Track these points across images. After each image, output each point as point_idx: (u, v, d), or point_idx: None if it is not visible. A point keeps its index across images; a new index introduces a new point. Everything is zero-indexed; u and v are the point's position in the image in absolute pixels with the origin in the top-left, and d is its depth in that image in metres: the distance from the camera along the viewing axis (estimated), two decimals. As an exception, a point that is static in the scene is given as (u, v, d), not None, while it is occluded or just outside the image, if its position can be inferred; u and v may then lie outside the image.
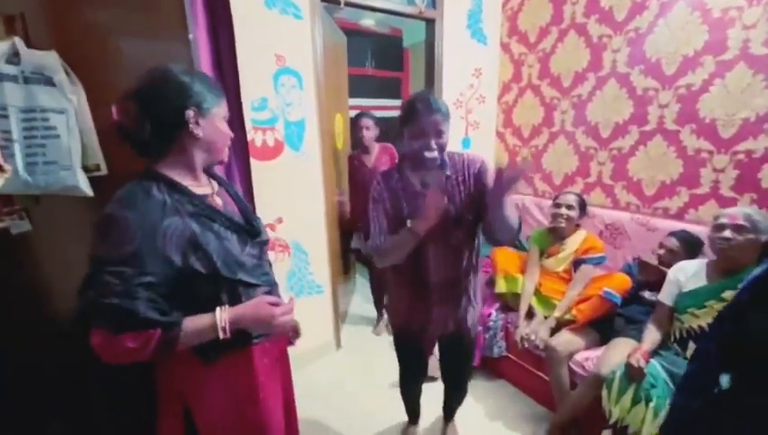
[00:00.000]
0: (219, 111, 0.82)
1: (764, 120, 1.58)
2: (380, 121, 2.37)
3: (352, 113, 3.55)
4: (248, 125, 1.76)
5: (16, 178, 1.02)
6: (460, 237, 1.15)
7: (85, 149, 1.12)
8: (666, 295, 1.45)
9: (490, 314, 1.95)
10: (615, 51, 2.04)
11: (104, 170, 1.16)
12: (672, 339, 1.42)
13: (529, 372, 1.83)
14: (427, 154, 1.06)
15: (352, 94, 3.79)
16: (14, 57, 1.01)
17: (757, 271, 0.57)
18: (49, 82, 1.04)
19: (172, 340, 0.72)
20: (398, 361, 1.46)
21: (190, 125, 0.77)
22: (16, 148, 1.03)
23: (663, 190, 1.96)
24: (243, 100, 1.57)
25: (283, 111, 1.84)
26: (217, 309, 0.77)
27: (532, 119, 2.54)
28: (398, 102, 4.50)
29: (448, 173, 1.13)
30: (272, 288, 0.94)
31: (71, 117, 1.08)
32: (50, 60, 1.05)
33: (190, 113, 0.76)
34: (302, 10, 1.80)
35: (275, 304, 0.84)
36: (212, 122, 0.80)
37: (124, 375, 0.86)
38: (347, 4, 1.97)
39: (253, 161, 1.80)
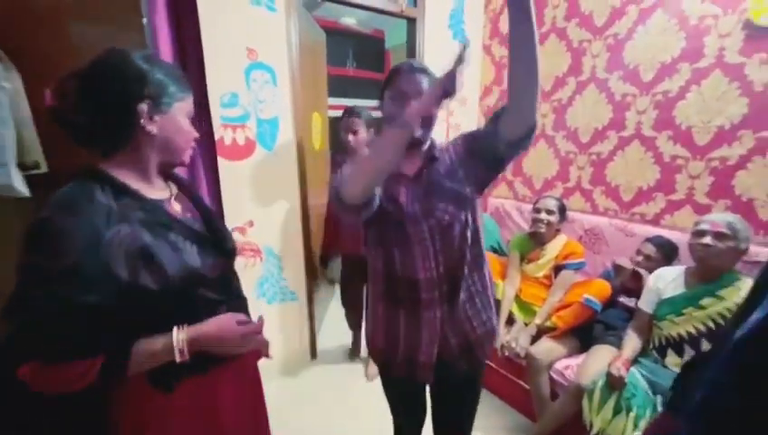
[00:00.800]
0: (182, 106, 0.72)
1: (738, 127, 1.60)
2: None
3: (332, 113, 3.47)
4: (217, 122, 1.65)
5: (-65, 175, 0.89)
6: (452, 210, 0.90)
7: (22, 143, 1.00)
8: (645, 303, 1.44)
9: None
10: (595, 56, 2.04)
11: (44, 168, 1.04)
12: (651, 346, 1.41)
13: (509, 380, 1.79)
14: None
15: (333, 94, 3.70)
16: (-67, 37, 0.89)
17: (758, 314, 0.51)
18: (-23, 67, 0.92)
19: (119, 367, 0.63)
20: (390, 406, 1.14)
21: (142, 120, 0.67)
22: (-64, 141, 0.90)
23: (640, 196, 1.97)
24: (211, 95, 1.47)
25: (255, 107, 1.74)
26: (174, 329, 0.68)
27: (513, 122, 2.52)
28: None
29: (436, 155, 0.93)
30: (239, 303, 0.84)
31: (3, 107, 0.96)
32: (-22, 42, 0.92)
33: (143, 107, 0.66)
34: (275, 1, 1.71)
35: (243, 323, 0.75)
36: (172, 119, 0.71)
37: (67, 405, 0.75)
38: (325, -1, 1.89)
39: (222, 161, 1.69)
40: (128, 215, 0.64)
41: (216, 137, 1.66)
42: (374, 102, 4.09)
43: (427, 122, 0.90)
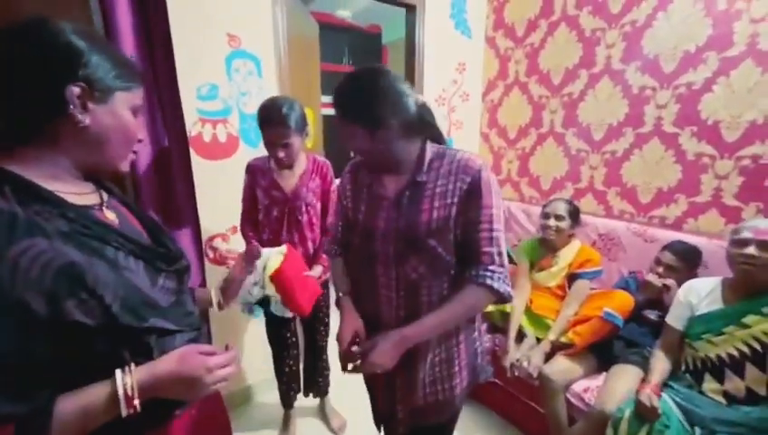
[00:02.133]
0: (126, 97, 0.58)
1: (773, 122, 1.44)
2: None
3: (326, 111, 3.30)
4: (193, 117, 1.48)
5: None
6: (421, 269, 0.81)
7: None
8: (675, 318, 1.28)
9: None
10: (609, 46, 1.88)
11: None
12: (684, 369, 1.25)
13: (519, 401, 1.63)
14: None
15: (328, 91, 3.53)
16: None
17: None
18: None
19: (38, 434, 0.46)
20: None
21: (72, 106, 0.51)
22: None
23: (660, 198, 1.81)
24: (186, 86, 1.30)
25: (237, 101, 1.56)
26: (117, 372, 0.51)
27: (519, 119, 2.36)
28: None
29: (420, 178, 0.81)
30: (198, 333, 0.67)
31: None
32: None
33: (75, 90, 0.51)
34: (260, -17, 1.54)
35: (207, 354, 0.58)
36: (111, 110, 0.56)
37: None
38: (316, -18, 1.72)
39: (200, 160, 1.52)
40: (42, 225, 0.47)
41: (193, 133, 1.49)
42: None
43: (377, 157, 0.81)
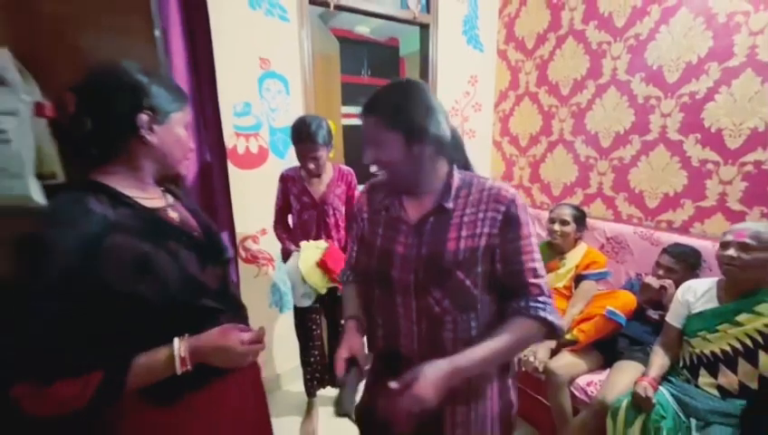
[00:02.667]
0: (180, 117, 0.73)
1: (774, 129, 1.50)
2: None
3: (346, 121, 3.48)
4: (230, 131, 1.67)
5: (-43, 186, 0.92)
6: (445, 303, 0.74)
7: (40, 154, 1.02)
8: (674, 317, 1.35)
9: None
10: (615, 58, 1.97)
11: (61, 178, 1.06)
12: (682, 364, 1.32)
13: (527, 395, 1.71)
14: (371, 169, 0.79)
15: (348, 102, 3.72)
16: (-41, 54, 0.92)
17: None
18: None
19: (117, 384, 0.61)
20: None
21: (142, 131, 0.67)
22: (-41, 153, 0.93)
23: (666, 202, 1.87)
24: (224, 105, 1.48)
25: (267, 116, 1.75)
26: (175, 339, 0.66)
27: (530, 127, 2.46)
28: (393, 111, 4.45)
29: (447, 205, 0.75)
30: (238, 313, 0.82)
31: (23, 119, 0.98)
32: (1, 57, 0.95)
33: (144, 117, 0.67)
34: (288, 12, 1.72)
35: (244, 332, 0.73)
36: (170, 129, 0.71)
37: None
38: (338, 8, 1.90)
39: (235, 170, 1.71)
40: (125, 224, 0.63)
41: (229, 146, 1.68)
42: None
43: (398, 170, 0.75)
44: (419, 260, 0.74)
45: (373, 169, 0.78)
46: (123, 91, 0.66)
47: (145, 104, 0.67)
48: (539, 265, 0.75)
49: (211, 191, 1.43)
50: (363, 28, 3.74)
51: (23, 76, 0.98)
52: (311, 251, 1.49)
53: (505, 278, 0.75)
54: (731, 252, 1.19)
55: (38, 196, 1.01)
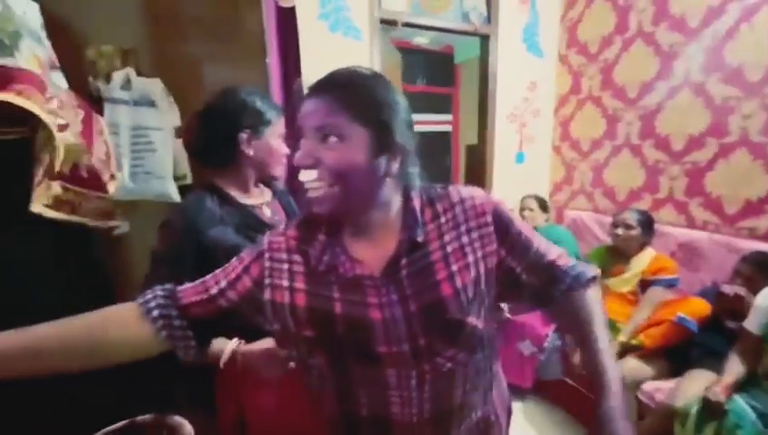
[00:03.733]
0: (275, 129, 0.88)
1: None
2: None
3: (404, 128, 3.62)
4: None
5: (123, 185, 1.20)
6: (460, 356, 0.58)
7: (175, 160, 1.29)
8: (753, 323, 1.30)
9: (546, 335, 1.86)
10: (688, 59, 1.90)
11: (189, 179, 1.33)
12: (762, 373, 1.27)
13: (587, 398, 1.71)
14: (301, 176, 0.54)
15: (405, 110, 3.88)
16: (126, 84, 1.21)
17: None
18: (152, 104, 1.23)
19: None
20: None
21: (242, 145, 0.84)
22: (124, 160, 1.21)
23: (748, 208, 1.77)
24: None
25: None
26: (234, 340, 0.79)
27: (593, 132, 2.43)
28: (448, 117, 4.53)
29: (419, 238, 0.57)
30: None
31: (167, 134, 1.25)
32: (154, 86, 1.23)
33: (243, 136, 0.84)
34: (362, 32, 1.91)
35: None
36: (266, 142, 0.87)
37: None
38: (405, 25, 2.06)
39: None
40: (227, 219, 0.82)
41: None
42: (444, 116, 4.19)
43: (346, 182, 0.53)
44: (411, 322, 0.55)
45: (308, 176, 0.53)
46: (228, 114, 0.84)
47: (245, 124, 0.84)
48: (545, 244, 0.66)
49: (294, 193, 1.64)
50: (421, 39, 3.89)
51: (168, 101, 1.26)
52: None
53: (533, 277, 0.64)
54: None
55: (175, 194, 1.27)
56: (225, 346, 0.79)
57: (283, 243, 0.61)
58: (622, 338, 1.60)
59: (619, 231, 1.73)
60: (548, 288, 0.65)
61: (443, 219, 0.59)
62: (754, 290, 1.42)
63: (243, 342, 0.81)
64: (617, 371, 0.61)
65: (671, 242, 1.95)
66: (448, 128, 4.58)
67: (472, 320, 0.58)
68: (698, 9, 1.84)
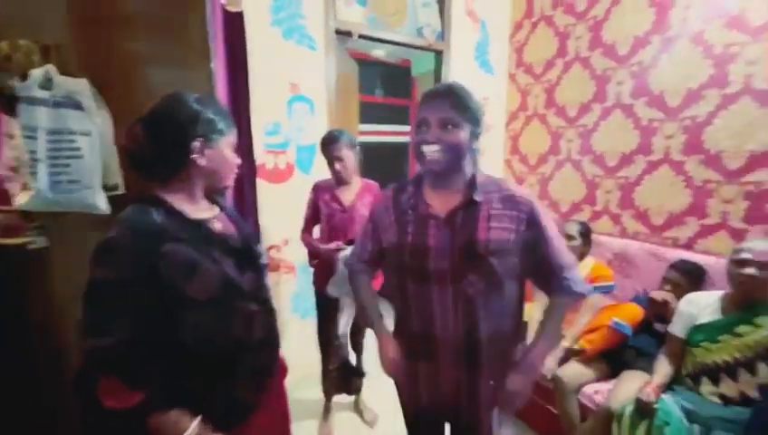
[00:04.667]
0: (227, 139, 0.83)
1: (771, 152, 1.59)
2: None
3: (362, 139, 3.64)
4: (261, 149, 1.82)
5: (40, 195, 1.07)
6: (480, 285, 0.85)
7: (106, 168, 1.17)
8: (677, 328, 1.42)
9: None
10: (620, 83, 2.09)
11: (122, 189, 1.21)
12: (685, 373, 1.38)
13: (536, 404, 1.77)
14: (425, 148, 0.82)
15: (364, 120, 3.90)
16: (47, 82, 1.08)
17: None
18: (77, 106, 1.11)
19: (144, 414, 0.71)
20: None
21: (194, 155, 0.78)
22: (41, 167, 1.08)
23: (671, 220, 1.95)
24: (256, 125, 1.64)
25: (294, 135, 1.90)
26: (195, 421, 0.74)
27: (539, 147, 2.57)
28: (406, 128, 4.61)
29: (477, 198, 0.85)
30: (271, 315, 0.92)
31: (95, 139, 1.14)
32: (80, 86, 1.12)
33: (196, 145, 0.77)
34: (316, 41, 1.89)
35: None
36: (219, 152, 0.81)
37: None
38: (361, 37, 2.07)
39: (264, 183, 1.86)
40: (177, 234, 0.74)
41: (260, 162, 1.83)
42: (401, 127, 4.26)
43: (454, 151, 0.82)
44: (454, 249, 0.84)
45: (433, 148, 0.82)
46: (182, 122, 0.77)
47: (198, 132, 0.78)
48: (564, 251, 0.91)
49: (242, 203, 1.57)
50: (379, 51, 3.95)
51: (96, 102, 1.15)
52: None
53: (538, 266, 0.90)
54: (751, 270, 1.24)
55: (104, 205, 1.15)
56: (187, 422, 0.73)
57: (381, 206, 0.99)
58: (566, 344, 1.68)
59: (563, 242, 1.83)
60: (547, 280, 0.93)
61: (495, 195, 0.87)
62: (681, 295, 1.56)
63: (203, 422, 0.75)
64: (549, 346, 0.95)
65: (607, 251, 2.10)
66: (407, 139, 4.65)
67: (492, 260, 0.84)
68: (626, 39, 2.03)
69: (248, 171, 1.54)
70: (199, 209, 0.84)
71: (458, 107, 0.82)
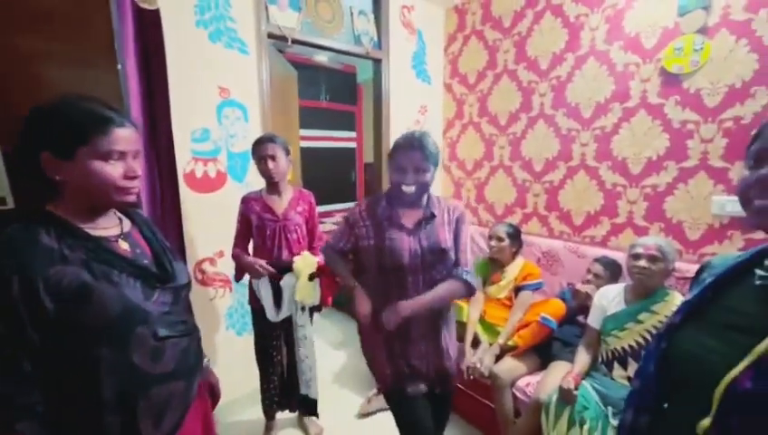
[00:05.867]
0: (94, 148, 0.68)
1: (664, 159, 1.81)
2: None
3: (304, 144, 3.57)
4: (188, 156, 1.71)
5: None
6: (443, 272, 1.19)
7: (-11, 181, 1.03)
8: (593, 319, 1.56)
9: (438, 344, 1.96)
10: (542, 95, 2.26)
11: (10, 204, 1.06)
12: (600, 360, 1.52)
13: (477, 401, 1.84)
14: (405, 188, 1.13)
15: (307, 126, 3.82)
16: None
17: (688, 296, 0.63)
18: (-52, 108, 0.96)
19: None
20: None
21: (45, 169, 0.67)
22: None
23: (589, 220, 2.15)
24: (182, 131, 1.53)
25: (226, 142, 1.81)
26: None
27: (474, 153, 2.71)
28: (352, 134, 4.62)
29: (435, 213, 1.20)
30: (189, 338, 0.84)
31: (-28, 147, 0.99)
32: (-49, 86, 0.96)
33: (44, 156, 0.67)
34: (248, 45, 1.82)
35: None
36: (80, 165, 0.68)
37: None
38: (295, 42, 2.03)
39: (192, 193, 1.74)
40: (69, 256, 0.66)
41: (187, 170, 1.72)
42: (346, 133, 4.24)
43: (423, 188, 1.16)
44: (423, 250, 1.16)
45: (411, 188, 1.14)
46: (29, 131, 0.67)
47: (46, 143, 0.66)
48: (468, 251, 1.24)
49: (162, 216, 1.45)
50: (321, 57, 3.91)
51: (-26, 104, 1.00)
52: (308, 261, 1.61)
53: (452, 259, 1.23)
54: (642, 263, 1.41)
55: (-14, 222, 1.00)
56: None
57: (357, 214, 1.23)
58: (500, 340, 1.77)
59: (493, 243, 1.93)
60: (451, 269, 1.22)
61: (442, 208, 1.23)
62: (600, 285, 1.71)
63: None
64: (430, 301, 1.16)
65: (537, 250, 2.26)
66: (353, 144, 4.66)
67: (451, 254, 1.20)
68: (546, 55, 2.21)
69: (169, 181, 1.44)
70: (100, 226, 0.75)
71: (427, 156, 1.12)
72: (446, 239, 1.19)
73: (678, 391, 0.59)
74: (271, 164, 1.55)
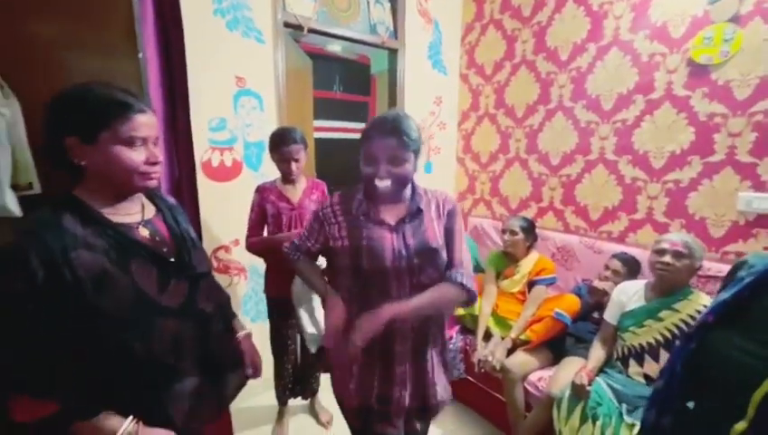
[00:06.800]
0: (116, 133, 0.69)
1: (688, 153, 1.76)
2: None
3: (318, 134, 3.57)
4: (205, 145, 1.72)
5: (-70, 196, 0.93)
6: (434, 275, 0.98)
7: (17, 165, 1.05)
8: (609, 315, 1.53)
9: (451, 337, 1.96)
10: (561, 86, 2.21)
11: (37, 189, 1.09)
12: (616, 357, 1.50)
13: (487, 394, 1.84)
14: (378, 183, 0.92)
15: (320, 116, 3.82)
16: (-62, 67, 0.95)
17: (724, 295, 0.60)
18: (-22, 94, 0.98)
19: (64, 422, 0.66)
20: None
21: (70, 153, 0.69)
22: (-69, 163, 0.94)
23: (606, 215, 2.10)
24: (200, 120, 1.55)
25: (242, 131, 1.82)
26: (128, 419, 0.70)
27: (490, 146, 2.67)
28: (365, 126, 4.60)
29: (421, 207, 0.99)
30: (204, 328, 0.84)
31: (1, 131, 1.01)
32: (-20, 72, 0.99)
33: (69, 142, 0.68)
34: (264, 34, 1.82)
35: None
36: (102, 150, 0.69)
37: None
38: (311, 31, 2.02)
39: (209, 182, 1.76)
40: (90, 241, 0.67)
41: (204, 159, 1.74)
42: (359, 124, 4.24)
43: (401, 181, 0.95)
44: (409, 251, 0.95)
45: (385, 183, 0.92)
46: (54, 115, 0.68)
47: (72, 128, 0.68)
48: (465, 251, 1.05)
49: (180, 204, 1.47)
50: (335, 47, 3.89)
51: (2, 89, 1.02)
52: None
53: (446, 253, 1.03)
54: (667, 259, 1.37)
55: (14, 206, 1.03)
56: (118, 423, 0.68)
57: (328, 208, 1.03)
58: (513, 334, 1.76)
59: (507, 237, 1.91)
60: (445, 269, 1.02)
61: (430, 202, 1.03)
62: (619, 282, 1.68)
63: (137, 421, 0.70)
64: (417, 306, 0.94)
65: (552, 245, 2.23)
66: (364, 136, 4.64)
67: (442, 254, 0.99)
68: (566, 45, 2.15)
69: (187, 169, 1.45)
70: (123, 211, 0.76)
71: (405, 144, 0.91)
72: (437, 237, 0.98)
73: (707, 392, 0.58)
74: (294, 166, 1.57)
